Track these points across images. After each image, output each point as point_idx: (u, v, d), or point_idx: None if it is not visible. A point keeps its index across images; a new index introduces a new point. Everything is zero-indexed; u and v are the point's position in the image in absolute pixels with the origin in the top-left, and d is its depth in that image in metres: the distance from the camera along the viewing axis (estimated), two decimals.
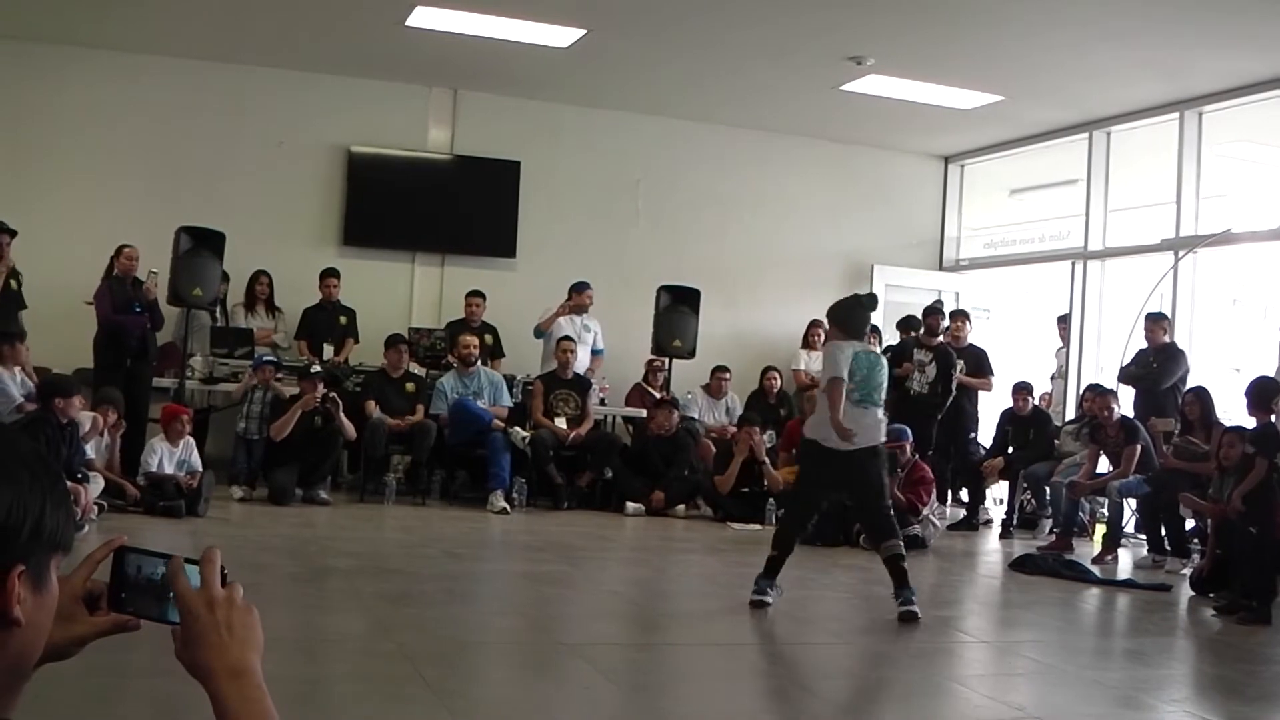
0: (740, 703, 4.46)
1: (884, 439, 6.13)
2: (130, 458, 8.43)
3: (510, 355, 10.98)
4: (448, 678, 4.45)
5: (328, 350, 10.32)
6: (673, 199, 12.24)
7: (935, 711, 4.64)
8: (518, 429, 9.74)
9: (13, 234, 8.83)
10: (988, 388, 10.90)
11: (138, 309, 9.11)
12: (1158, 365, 9.25)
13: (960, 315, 11.14)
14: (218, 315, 10.34)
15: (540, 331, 10.86)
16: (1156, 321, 9.43)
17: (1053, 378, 11.65)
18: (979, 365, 10.89)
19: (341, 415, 9.09)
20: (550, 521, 9.16)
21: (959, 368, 10.69)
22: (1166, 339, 9.32)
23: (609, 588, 7.07)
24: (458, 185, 11.57)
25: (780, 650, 4.84)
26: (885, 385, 6.17)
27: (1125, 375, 9.48)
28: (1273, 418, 7.32)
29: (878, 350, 6.43)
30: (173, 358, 9.81)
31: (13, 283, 8.83)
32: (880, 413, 6.09)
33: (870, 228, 12.93)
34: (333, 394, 9.13)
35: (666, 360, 11.12)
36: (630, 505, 9.72)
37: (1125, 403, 9.41)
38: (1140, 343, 9.77)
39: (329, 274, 10.49)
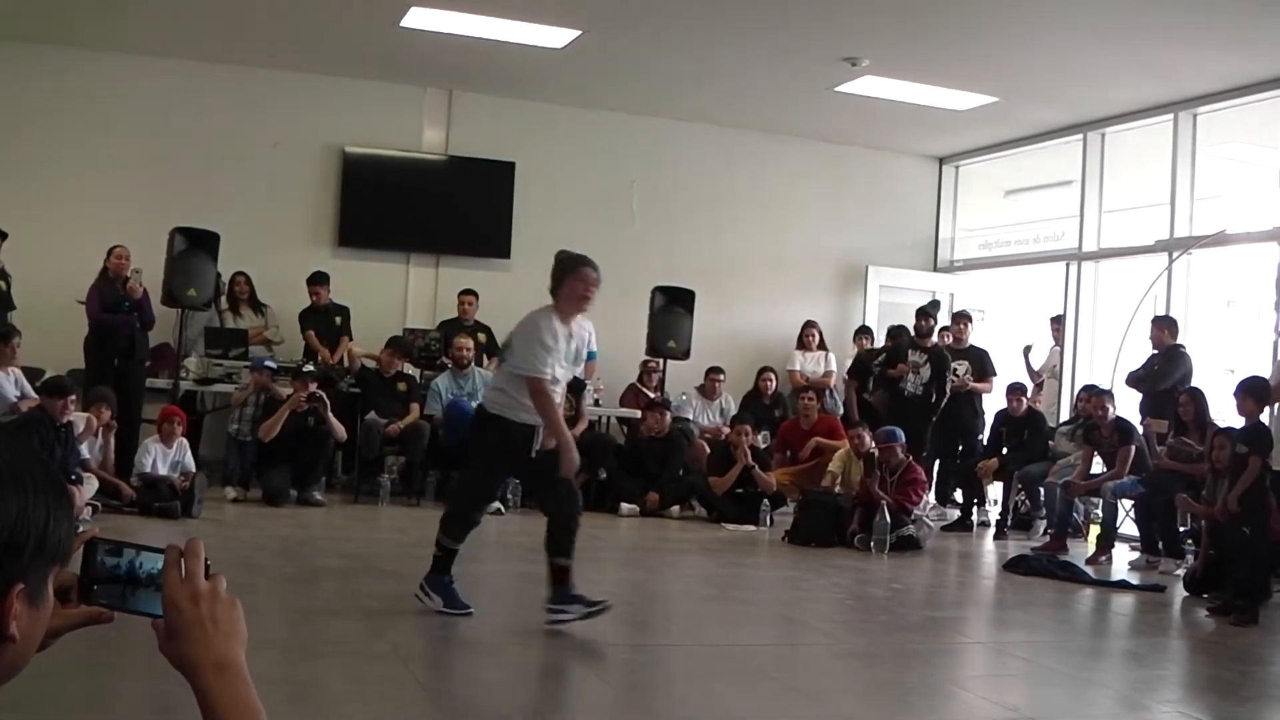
0: (735, 703, 4.46)
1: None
2: (123, 458, 8.42)
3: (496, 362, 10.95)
4: (442, 679, 4.45)
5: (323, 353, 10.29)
6: (668, 199, 12.23)
7: (930, 712, 4.64)
8: None
9: (3, 236, 8.82)
10: (988, 390, 10.91)
11: (126, 308, 9.10)
12: (1159, 367, 9.25)
13: (962, 317, 11.14)
14: (213, 316, 10.32)
15: None
16: (1160, 325, 9.39)
17: (1041, 378, 11.65)
18: (981, 367, 10.88)
19: (330, 415, 9.07)
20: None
21: (964, 369, 10.71)
22: (1171, 341, 9.28)
23: (604, 589, 7.03)
24: (452, 186, 11.56)
25: (774, 651, 4.84)
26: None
27: (1131, 379, 9.48)
28: (1263, 416, 7.33)
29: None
30: (167, 359, 9.80)
31: (1, 284, 8.82)
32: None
33: (865, 229, 12.94)
34: (320, 393, 9.10)
35: (661, 361, 11.11)
36: (625, 506, 9.72)
37: (1130, 406, 9.41)
38: (1137, 345, 9.79)
39: (316, 280, 10.40)
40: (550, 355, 5.14)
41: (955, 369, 10.75)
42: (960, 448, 10.76)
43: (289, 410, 8.96)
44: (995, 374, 10.89)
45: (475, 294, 10.78)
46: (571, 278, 5.30)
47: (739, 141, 12.40)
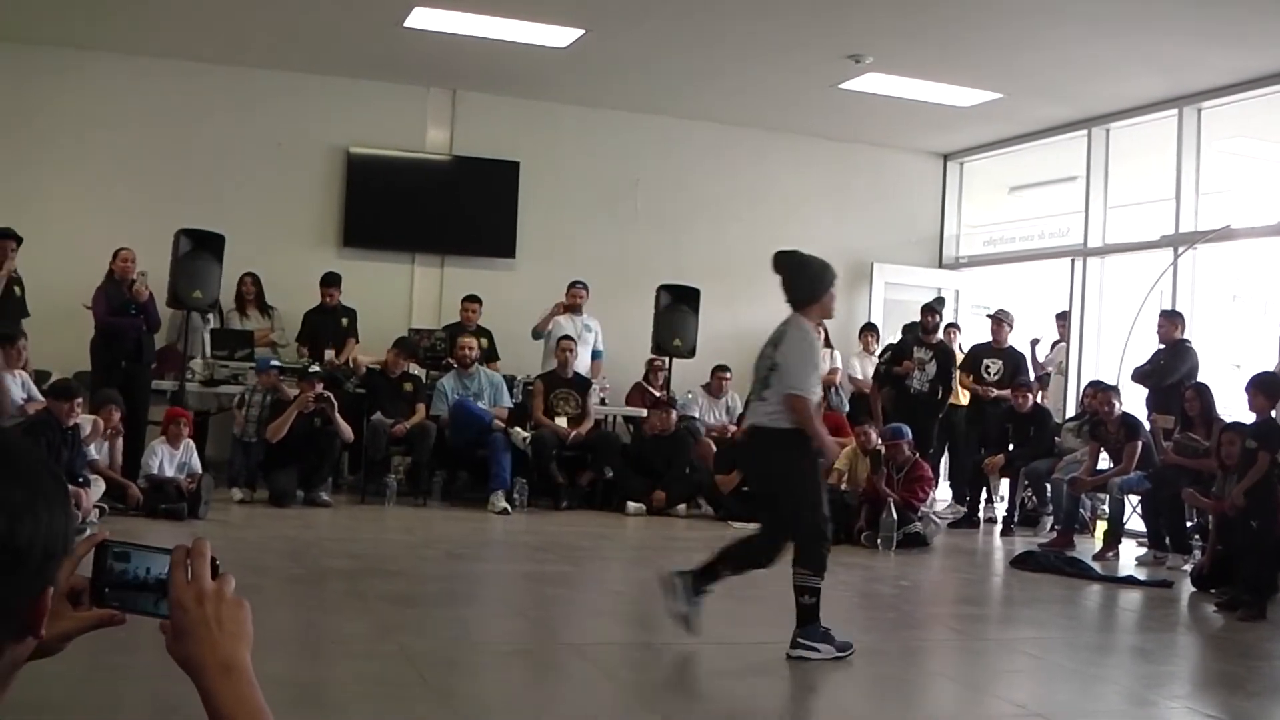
0: (742, 701, 4.46)
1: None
2: (130, 460, 8.44)
3: (510, 356, 10.98)
4: (450, 679, 4.45)
5: (328, 353, 10.29)
6: (672, 198, 12.23)
7: (937, 709, 4.64)
8: (518, 429, 9.75)
9: (19, 240, 8.84)
10: (1020, 400, 10.73)
11: (133, 310, 9.12)
12: (1165, 362, 9.25)
13: (998, 319, 11.02)
14: (210, 318, 10.33)
15: (538, 333, 10.86)
16: (1169, 319, 9.39)
17: (1045, 371, 11.63)
18: (1015, 369, 10.76)
19: (337, 416, 9.07)
20: (552, 521, 9.17)
21: (997, 368, 10.68)
22: (1179, 335, 9.28)
23: (611, 587, 7.07)
24: (457, 186, 11.56)
25: (781, 648, 4.83)
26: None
27: (1137, 374, 9.47)
28: (1273, 412, 7.31)
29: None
30: (173, 360, 9.81)
31: (16, 289, 8.85)
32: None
33: (870, 226, 12.92)
34: (327, 394, 9.11)
35: (667, 359, 11.11)
36: (631, 505, 9.72)
37: (1137, 401, 9.41)
38: (1143, 340, 9.77)
39: (328, 282, 10.44)
40: (817, 374, 5.16)
41: (987, 366, 10.74)
42: (983, 447, 10.62)
43: (296, 410, 8.97)
44: (1026, 383, 10.44)
45: (479, 300, 10.77)
46: (829, 290, 5.16)
47: (743, 139, 12.40)
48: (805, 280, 5.16)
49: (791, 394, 4.94)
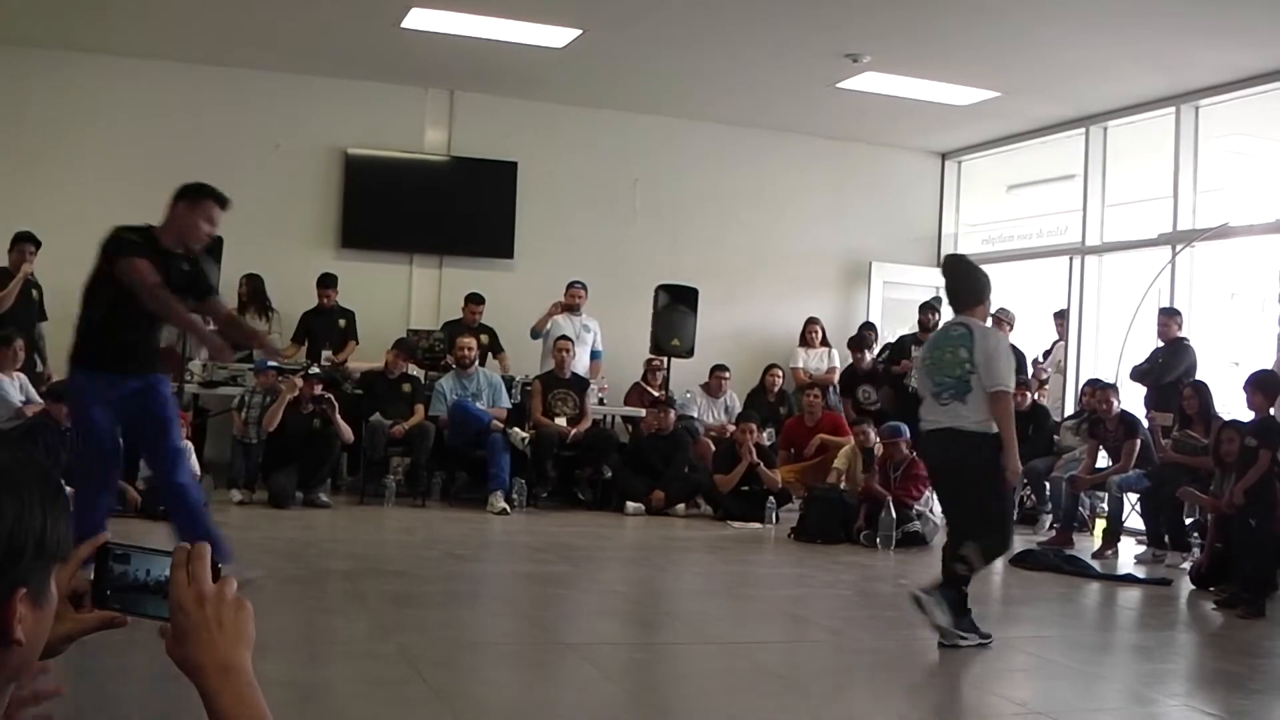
0: (741, 701, 4.46)
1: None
2: (128, 462, 8.41)
3: (509, 356, 10.97)
4: (450, 679, 4.45)
5: (325, 354, 10.29)
6: (670, 198, 12.24)
7: (937, 708, 4.64)
8: (517, 430, 9.75)
9: (37, 244, 8.85)
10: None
11: None
12: (1163, 360, 9.27)
13: (1000, 318, 10.99)
14: (208, 319, 10.30)
15: (536, 332, 10.87)
16: (1169, 316, 9.41)
17: (1046, 372, 11.62)
18: (1017, 366, 10.72)
19: (337, 417, 9.08)
20: (551, 522, 9.17)
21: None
22: (1177, 333, 9.30)
23: (610, 587, 7.07)
24: (455, 186, 11.57)
25: (781, 648, 4.84)
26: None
27: (1135, 372, 9.49)
28: (1271, 410, 7.32)
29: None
30: (172, 362, 9.80)
31: (33, 292, 8.88)
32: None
33: (868, 225, 12.93)
34: (327, 395, 9.12)
35: (665, 359, 11.11)
36: (630, 505, 9.72)
37: (1135, 399, 9.41)
38: (1141, 338, 9.78)
39: (325, 283, 10.46)
40: (1013, 368, 5.39)
41: None
42: None
43: (287, 397, 8.97)
44: (1024, 381, 10.37)
45: (481, 300, 10.78)
46: (990, 294, 5.51)
47: (741, 139, 12.40)
48: (976, 282, 5.43)
49: (1000, 390, 5.10)
